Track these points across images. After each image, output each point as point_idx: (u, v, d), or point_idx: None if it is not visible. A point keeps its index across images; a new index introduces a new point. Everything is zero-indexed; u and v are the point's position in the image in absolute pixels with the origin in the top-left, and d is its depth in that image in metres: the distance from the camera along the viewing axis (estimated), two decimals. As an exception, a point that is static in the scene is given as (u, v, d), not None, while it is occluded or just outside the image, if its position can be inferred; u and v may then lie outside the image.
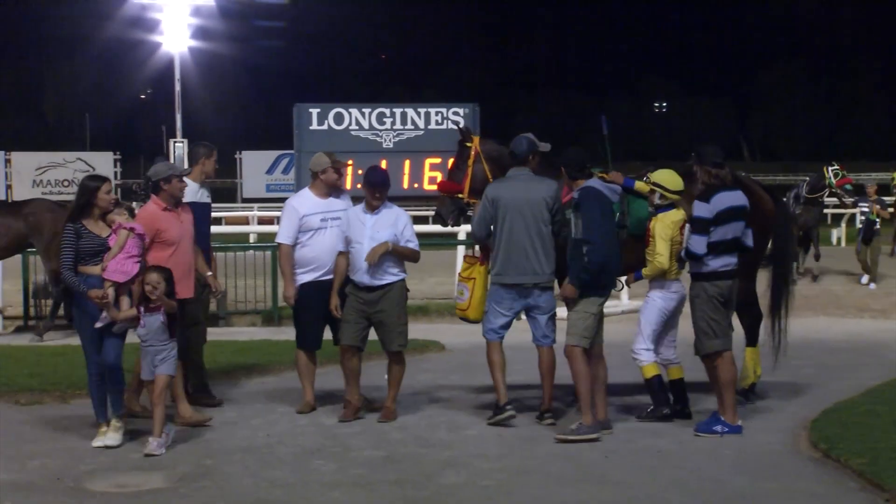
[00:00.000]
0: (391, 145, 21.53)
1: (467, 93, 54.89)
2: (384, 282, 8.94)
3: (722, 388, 8.50)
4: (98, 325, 8.13)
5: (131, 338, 8.42)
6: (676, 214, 8.83)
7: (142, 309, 8.18)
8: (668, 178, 8.95)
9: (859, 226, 19.74)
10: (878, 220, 18.93)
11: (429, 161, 20.59)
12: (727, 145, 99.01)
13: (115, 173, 48.24)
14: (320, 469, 7.62)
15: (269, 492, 7.05)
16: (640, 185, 9.23)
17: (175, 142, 31.34)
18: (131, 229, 8.25)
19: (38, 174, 46.90)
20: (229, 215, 35.82)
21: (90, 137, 76.26)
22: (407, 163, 19.16)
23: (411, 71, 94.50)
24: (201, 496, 6.97)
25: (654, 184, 8.93)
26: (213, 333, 14.10)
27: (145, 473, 7.53)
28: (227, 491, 7.08)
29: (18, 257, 15.71)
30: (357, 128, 22.62)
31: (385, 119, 23.57)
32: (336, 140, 23.49)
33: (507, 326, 8.90)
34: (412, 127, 23.31)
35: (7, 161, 46.24)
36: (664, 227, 8.81)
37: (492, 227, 8.78)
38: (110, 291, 8.10)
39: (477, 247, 9.50)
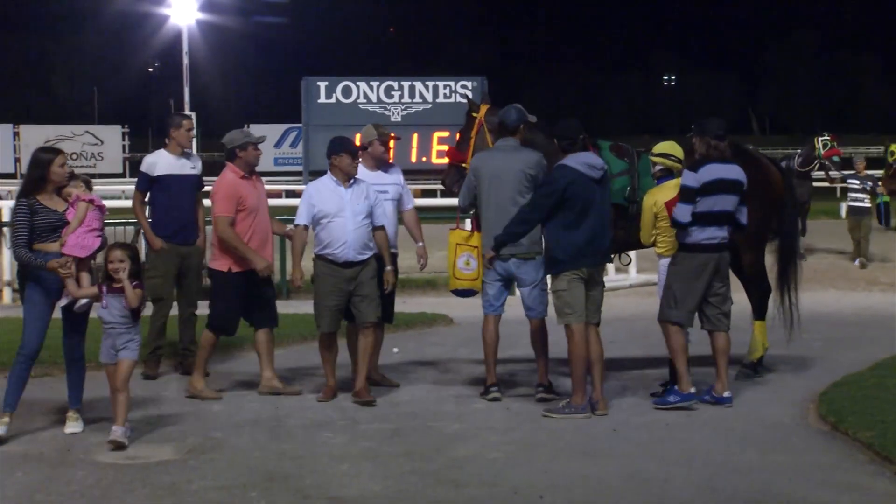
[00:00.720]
0: (399, 118, 21.48)
1: (475, 66, 54.70)
2: (366, 256, 8.91)
3: (673, 357, 8.50)
4: (61, 303, 7.73)
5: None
6: (672, 184, 8.74)
7: (104, 288, 7.63)
8: (668, 147, 8.93)
9: (851, 203, 18.80)
10: (881, 197, 18.67)
11: (437, 134, 20.45)
12: (736, 119, 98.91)
13: (124, 146, 48.36)
14: (329, 442, 7.63)
15: (278, 464, 7.07)
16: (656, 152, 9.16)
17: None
18: (90, 201, 7.90)
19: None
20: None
21: (98, 111, 76.23)
22: (415, 136, 19.10)
23: (419, 44, 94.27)
24: (210, 468, 6.99)
25: (656, 154, 8.88)
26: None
27: (155, 445, 7.55)
28: (237, 463, 7.10)
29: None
30: (365, 101, 22.56)
31: (393, 92, 23.45)
32: (344, 113, 23.46)
33: (498, 298, 8.87)
34: (420, 100, 23.22)
35: (16, 134, 46.35)
36: (648, 196, 8.82)
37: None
38: (71, 264, 7.63)
39: (468, 220, 9.53)
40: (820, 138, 18.18)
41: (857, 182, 18.40)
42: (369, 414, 8.36)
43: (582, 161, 8.29)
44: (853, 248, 18.41)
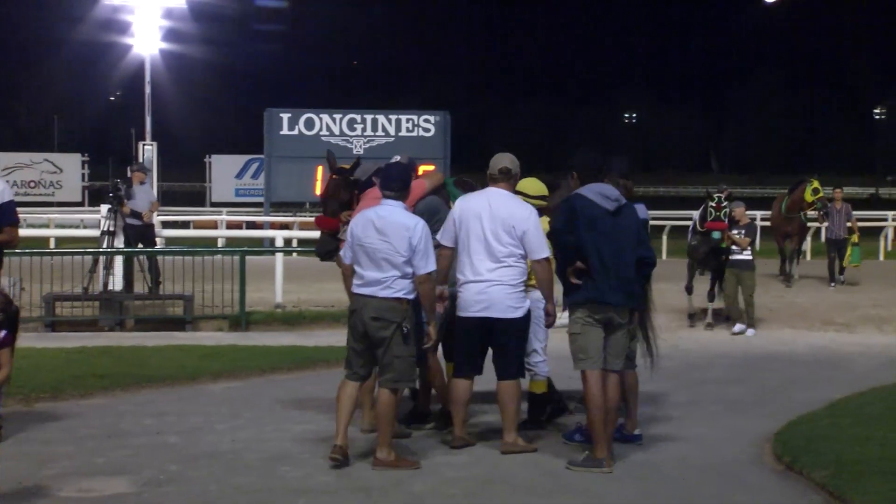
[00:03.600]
0: (361, 151, 21.48)
1: (439, 100, 54.89)
2: None
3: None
4: None
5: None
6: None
7: None
8: (529, 185, 8.98)
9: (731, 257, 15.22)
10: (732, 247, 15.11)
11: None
12: (697, 156, 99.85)
13: (83, 175, 48.00)
14: (286, 476, 7.59)
15: (234, 498, 7.03)
16: None
17: (144, 144, 31.17)
18: None
19: (3, 174, 46.46)
20: (198, 219, 35.65)
21: (59, 139, 75.76)
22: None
23: (382, 77, 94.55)
24: (166, 502, 6.93)
25: (518, 192, 8.77)
26: (180, 338, 14.08)
27: (109, 478, 7.48)
28: (192, 497, 7.05)
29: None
30: (328, 133, 22.54)
31: (356, 125, 23.48)
32: (306, 145, 23.47)
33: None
34: (383, 133, 23.25)
35: (-27, 161, 45.94)
36: None
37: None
38: None
39: None
40: (715, 193, 15.73)
41: (736, 231, 15.13)
42: (327, 447, 8.33)
43: (596, 191, 7.92)
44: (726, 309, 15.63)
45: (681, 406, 10.22)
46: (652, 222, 17.66)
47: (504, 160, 8.43)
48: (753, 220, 15.88)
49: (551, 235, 8.04)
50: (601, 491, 7.27)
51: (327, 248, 8.96)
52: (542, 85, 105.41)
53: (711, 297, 15.75)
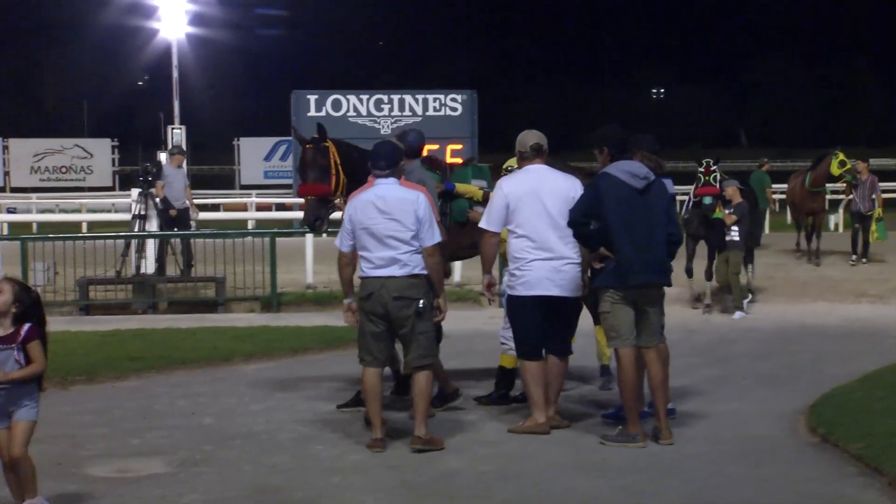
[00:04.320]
0: (388, 131, 21.48)
1: (464, 80, 54.72)
2: None
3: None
4: None
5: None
6: None
7: None
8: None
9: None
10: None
11: (426, 148, 20.50)
12: (725, 131, 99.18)
13: (114, 160, 48.26)
14: (320, 455, 7.63)
15: (268, 477, 7.07)
16: (461, 188, 9.33)
17: (173, 128, 31.26)
18: None
19: (35, 160, 46.89)
20: (227, 202, 35.82)
21: (88, 124, 76.12)
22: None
23: (408, 58, 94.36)
24: (201, 482, 6.98)
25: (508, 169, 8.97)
26: (212, 320, 14.16)
27: (145, 459, 7.54)
28: (227, 476, 7.09)
29: (17, 243, 15.71)
30: (355, 114, 22.57)
31: (383, 105, 23.47)
32: (333, 126, 23.44)
33: None
34: (410, 113, 23.23)
35: (5, 147, 46.23)
36: None
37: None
38: None
39: None
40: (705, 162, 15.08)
41: (729, 211, 14.70)
42: (359, 426, 8.35)
43: (624, 169, 7.79)
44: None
45: (712, 380, 10.18)
46: (682, 197, 17.56)
47: (533, 136, 8.39)
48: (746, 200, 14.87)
49: (569, 225, 7.89)
50: (633, 466, 7.25)
51: (317, 213, 8.88)
52: (566, 63, 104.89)
53: (709, 276, 15.09)
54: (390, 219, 7.65)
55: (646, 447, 7.64)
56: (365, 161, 8.42)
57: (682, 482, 6.91)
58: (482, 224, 8.27)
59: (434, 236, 7.73)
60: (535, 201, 8.05)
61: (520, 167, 8.41)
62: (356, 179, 8.56)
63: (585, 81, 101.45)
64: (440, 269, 7.92)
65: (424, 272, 7.71)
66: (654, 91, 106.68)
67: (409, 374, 8.18)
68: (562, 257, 8.02)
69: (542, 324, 8.12)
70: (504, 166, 9.31)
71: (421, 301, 7.64)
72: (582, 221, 7.73)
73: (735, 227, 14.51)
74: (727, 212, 14.58)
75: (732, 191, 14.63)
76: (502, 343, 9.09)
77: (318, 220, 8.91)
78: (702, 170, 14.80)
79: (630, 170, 7.79)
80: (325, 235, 13.04)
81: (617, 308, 7.75)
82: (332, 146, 8.91)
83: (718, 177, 14.70)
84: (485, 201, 9.01)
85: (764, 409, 8.94)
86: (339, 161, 8.86)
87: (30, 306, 6.07)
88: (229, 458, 7.55)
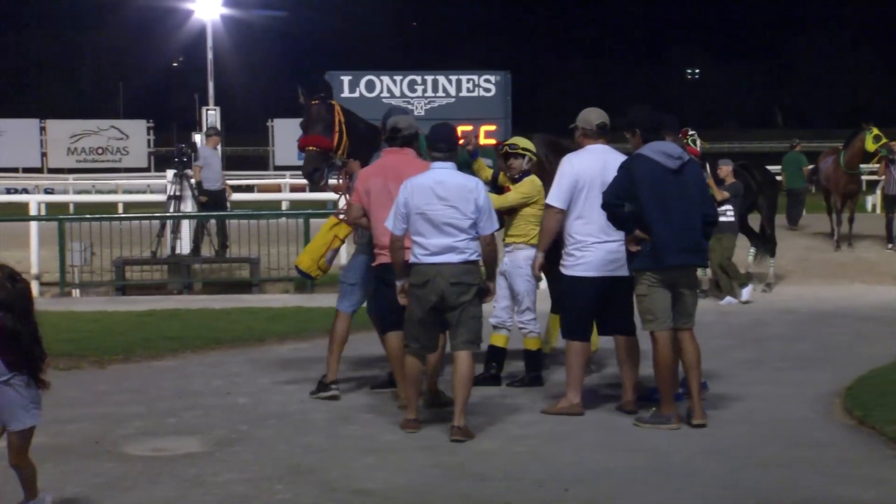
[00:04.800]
0: (422, 112, 21.48)
1: (495, 60, 54.51)
2: None
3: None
4: None
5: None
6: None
7: None
8: (523, 142, 9.02)
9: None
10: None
11: (460, 129, 20.48)
12: (760, 112, 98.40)
13: (149, 141, 48.52)
14: (354, 435, 7.65)
15: (303, 457, 7.10)
16: (477, 165, 9.04)
17: (208, 109, 31.39)
18: None
19: (72, 142, 47.18)
20: (262, 183, 35.92)
21: (124, 105, 76.55)
22: (438, 130, 18.91)
23: (442, 38, 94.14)
24: (236, 461, 7.02)
25: (525, 149, 8.91)
26: (247, 301, 14.23)
27: (181, 438, 7.60)
28: (262, 456, 7.13)
29: (54, 224, 15.84)
30: (388, 95, 22.57)
31: (416, 87, 23.50)
32: (367, 108, 23.40)
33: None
34: (444, 94, 23.23)
35: (42, 129, 46.57)
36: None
37: None
38: None
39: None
40: (689, 132, 14.34)
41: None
42: (394, 407, 8.37)
43: (658, 150, 7.72)
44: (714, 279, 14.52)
45: (746, 362, 10.13)
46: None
47: (601, 115, 8.25)
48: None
49: (603, 208, 7.79)
50: (668, 447, 7.23)
51: (316, 164, 8.84)
52: (597, 43, 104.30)
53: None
54: (449, 205, 7.49)
55: (679, 429, 7.62)
56: (371, 135, 8.53)
57: (716, 463, 6.88)
58: (549, 200, 8.13)
59: (493, 224, 7.65)
60: (599, 183, 7.94)
61: (580, 146, 8.26)
62: (359, 149, 8.58)
63: (617, 61, 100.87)
64: (496, 257, 7.89)
65: (479, 258, 7.64)
66: (689, 71, 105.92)
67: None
68: (619, 239, 7.93)
69: (596, 305, 8.05)
70: (501, 145, 9.26)
71: (478, 286, 7.58)
72: (615, 203, 7.66)
73: (729, 208, 13.90)
74: (720, 189, 13.97)
75: (727, 171, 14.23)
76: (496, 326, 9.06)
77: (316, 171, 8.86)
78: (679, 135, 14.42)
79: (664, 150, 7.74)
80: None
81: (654, 291, 7.69)
82: (338, 106, 8.93)
83: (697, 140, 14.17)
84: (492, 181, 8.99)
85: (799, 391, 8.88)
86: (343, 121, 8.86)
87: (14, 297, 5.56)
88: (264, 437, 7.60)
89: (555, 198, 8.09)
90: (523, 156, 8.94)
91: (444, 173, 7.64)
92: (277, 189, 32.87)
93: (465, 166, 8.71)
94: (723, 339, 11.03)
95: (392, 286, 7.80)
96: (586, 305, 8.06)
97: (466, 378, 7.54)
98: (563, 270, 8.20)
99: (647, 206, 7.59)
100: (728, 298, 14.00)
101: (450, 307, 7.55)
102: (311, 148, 8.89)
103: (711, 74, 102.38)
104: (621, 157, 8.05)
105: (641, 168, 7.68)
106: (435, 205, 7.50)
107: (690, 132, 14.10)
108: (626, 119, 8.06)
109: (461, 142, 8.29)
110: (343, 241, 9.10)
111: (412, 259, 7.63)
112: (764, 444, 7.33)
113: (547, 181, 8.50)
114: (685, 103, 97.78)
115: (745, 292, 14.06)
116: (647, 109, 8.28)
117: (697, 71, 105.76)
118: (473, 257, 7.59)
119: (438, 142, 7.74)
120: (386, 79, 21.64)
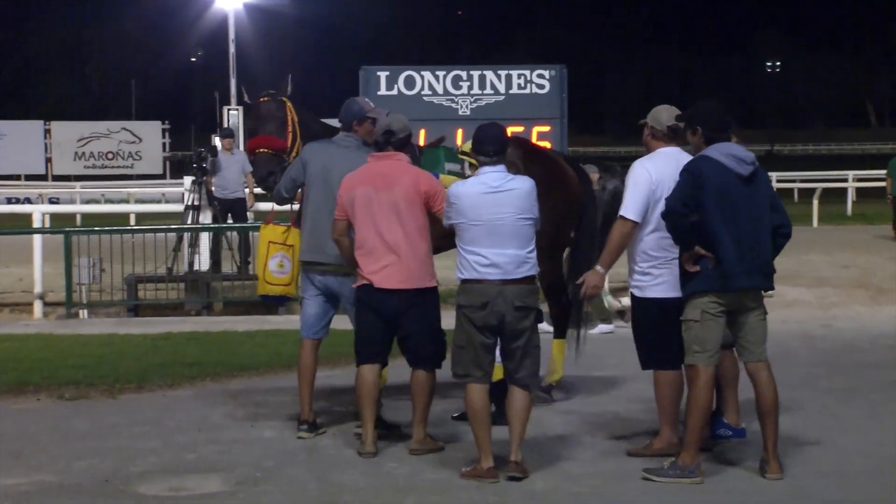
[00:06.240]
0: (468, 112, 21.50)
1: (552, 53, 54.46)
2: None
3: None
4: None
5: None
6: None
7: None
8: None
9: None
10: None
11: (510, 130, 20.56)
12: (850, 108, 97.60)
13: (164, 144, 48.96)
14: (393, 472, 7.67)
15: (336, 497, 7.12)
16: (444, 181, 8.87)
17: (229, 109, 31.65)
18: None
19: (80, 146, 47.72)
20: (289, 191, 36.06)
21: (136, 105, 77.27)
22: (486, 132, 18.98)
23: (490, 29, 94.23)
24: (263, 501, 7.06)
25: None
26: (273, 322, 14.29)
27: (201, 476, 7.64)
28: (291, 496, 7.16)
29: (60, 237, 16.00)
30: (430, 93, 22.64)
31: (461, 83, 23.56)
32: (406, 106, 23.52)
33: (321, 319, 8.66)
34: (492, 92, 23.26)
35: (46, 132, 47.11)
36: None
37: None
38: None
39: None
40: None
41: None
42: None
43: (727, 153, 7.39)
44: None
45: (836, 393, 10.04)
46: (800, 185, 17.30)
47: (673, 114, 7.97)
48: None
49: (666, 217, 7.52)
50: (748, 489, 7.18)
51: (269, 168, 8.92)
52: (667, 33, 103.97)
53: None
54: (506, 212, 7.40)
55: (702, 483, 7.29)
56: (327, 135, 8.73)
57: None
58: (625, 212, 7.84)
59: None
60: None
61: (650, 148, 8.09)
62: None
63: (690, 52, 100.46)
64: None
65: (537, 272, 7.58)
66: (770, 63, 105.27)
67: None
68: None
69: (677, 329, 7.65)
70: (460, 149, 9.35)
71: (539, 310, 7.53)
72: (681, 212, 7.33)
73: None
74: None
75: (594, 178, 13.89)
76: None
77: (271, 174, 8.92)
78: None
79: (735, 153, 7.41)
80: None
81: (709, 318, 7.38)
82: (290, 103, 9.16)
83: None
84: None
85: (880, 424, 8.79)
86: (296, 119, 9.08)
87: None
88: (293, 475, 7.63)
89: (631, 210, 7.80)
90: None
91: (494, 176, 7.51)
92: (306, 197, 33.00)
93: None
94: (809, 366, 10.94)
95: (377, 311, 7.86)
96: (673, 329, 7.65)
97: (522, 413, 7.48)
98: (637, 293, 8.01)
99: (714, 219, 7.29)
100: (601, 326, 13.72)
101: (511, 336, 7.43)
102: (262, 150, 9.03)
103: (795, 66, 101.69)
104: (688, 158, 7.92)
105: (709, 173, 7.36)
106: (493, 211, 7.39)
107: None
108: (687, 115, 7.78)
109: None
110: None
111: (464, 275, 7.50)
112: (861, 489, 7.25)
113: None
114: (764, 99, 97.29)
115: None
116: (713, 105, 7.92)
117: (779, 63, 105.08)
118: (534, 272, 7.51)
119: (485, 144, 7.61)
120: (427, 74, 21.75)
